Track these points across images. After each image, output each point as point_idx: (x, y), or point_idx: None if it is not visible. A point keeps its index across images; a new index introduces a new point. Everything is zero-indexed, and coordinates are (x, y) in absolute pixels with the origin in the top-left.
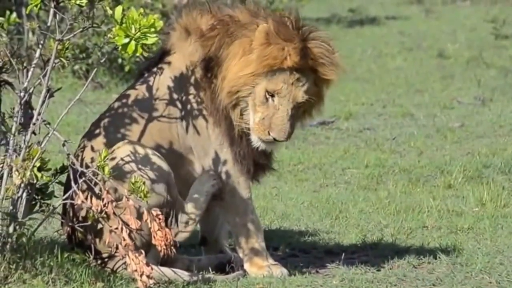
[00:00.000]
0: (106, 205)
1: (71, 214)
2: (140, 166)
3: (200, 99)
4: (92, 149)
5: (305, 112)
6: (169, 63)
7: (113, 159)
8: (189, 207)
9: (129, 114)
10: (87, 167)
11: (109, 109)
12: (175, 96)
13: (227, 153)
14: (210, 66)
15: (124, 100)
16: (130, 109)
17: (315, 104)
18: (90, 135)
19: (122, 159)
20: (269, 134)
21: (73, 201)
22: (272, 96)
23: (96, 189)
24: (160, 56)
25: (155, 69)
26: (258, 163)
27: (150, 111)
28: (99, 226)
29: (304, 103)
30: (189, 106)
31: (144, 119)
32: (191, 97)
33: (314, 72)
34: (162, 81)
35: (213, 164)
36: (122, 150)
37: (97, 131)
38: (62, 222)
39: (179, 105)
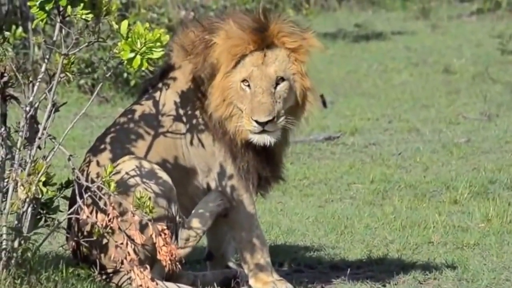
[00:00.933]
0: (111, 220)
1: (76, 229)
2: (143, 180)
3: (202, 116)
4: (98, 164)
5: (299, 105)
6: (173, 79)
7: (117, 173)
8: (191, 224)
9: (135, 130)
10: (92, 182)
11: (114, 124)
12: (179, 112)
13: (231, 169)
14: (201, 82)
15: (129, 116)
16: (135, 125)
17: (302, 88)
18: (95, 150)
19: (126, 173)
20: (253, 120)
21: (78, 216)
22: (248, 84)
23: (101, 204)
24: (164, 72)
25: (160, 85)
26: (262, 176)
27: (155, 128)
28: (104, 241)
29: (290, 87)
30: (192, 123)
31: (150, 135)
32: (194, 114)
33: (282, 47)
34: (167, 98)
35: (217, 180)
36: (127, 165)
37: (102, 146)
38: (67, 237)
39: (183, 122)
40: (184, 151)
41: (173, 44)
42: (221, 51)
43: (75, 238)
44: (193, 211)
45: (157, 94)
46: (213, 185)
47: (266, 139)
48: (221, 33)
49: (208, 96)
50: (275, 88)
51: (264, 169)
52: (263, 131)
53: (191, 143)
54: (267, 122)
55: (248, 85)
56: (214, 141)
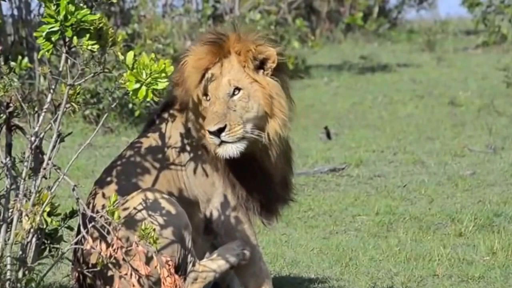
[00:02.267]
0: (116, 250)
1: (81, 259)
2: (156, 215)
3: (200, 146)
4: (103, 196)
5: (268, 114)
6: (176, 110)
7: (134, 206)
8: (204, 265)
9: (141, 163)
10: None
11: (121, 156)
12: (182, 144)
13: (231, 199)
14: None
15: (135, 149)
16: (141, 158)
17: (266, 97)
18: (102, 182)
19: (138, 207)
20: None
21: (81, 246)
22: (206, 96)
23: (109, 237)
24: (170, 104)
25: (165, 116)
26: (264, 203)
27: (160, 160)
28: (109, 272)
29: (248, 96)
30: (192, 154)
31: (155, 168)
32: (194, 144)
33: (233, 54)
34: (172, 130)
35: (218, 210)
36: (142, 198)
37: (109, 178)
38: (72, 268)
39: (185, 153)
40: (186, 182)
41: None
42: (188, 68)
43: (79, 269)
44: (210, 254)
45: (162, 126)
46: (214, 215)
47: (228, 151)
48: (190, 53)
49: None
50: (231, 97)
51: (264, 195)
52: (222, 143)
53: (193, 173)
54: (220, 131)
55: (207, 96)
56: (212, 170)
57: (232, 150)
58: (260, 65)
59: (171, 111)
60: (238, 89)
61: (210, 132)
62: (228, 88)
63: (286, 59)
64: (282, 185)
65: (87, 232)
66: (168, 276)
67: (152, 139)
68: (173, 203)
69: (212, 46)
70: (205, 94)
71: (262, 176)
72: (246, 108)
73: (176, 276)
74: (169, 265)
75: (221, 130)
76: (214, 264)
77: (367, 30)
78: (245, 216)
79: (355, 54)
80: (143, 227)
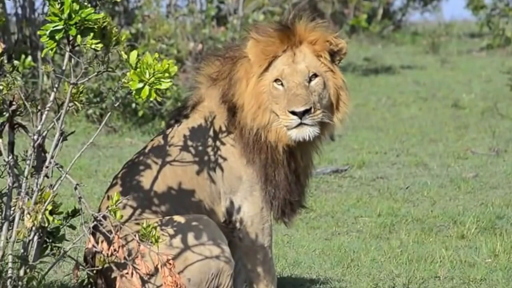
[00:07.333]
0: (117, 249)
1: (90, 263)
2: (201, 246)
3: (232, 140)
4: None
5: (333, 105)
6: (199, 111)
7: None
8: None
9: (161, 162)
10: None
11: (143, 153)
12: (207, 142)
13: (256, 196)
14: (230, 103)
15: (154, 148)
16: (159, 158)
17: (335, 87)
18: (123, 178)
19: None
20: (289, 112)
21: (83, 245)
22: (281, 83)
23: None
24: (193, 103)
25: (184, 119)
26: (288, 202)
27: (182, 158)
28: (111, 271)
29: (324, 84)
30: (219, 147)
31: (177, 166)
32: (222, 140)
33: (306, 42)
34: (196, 124)
35: (239, 206)
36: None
37: (129, 177)
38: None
39: (211, 150)
40: (214, 178)
41: (200, 77)
42: (254, 54)
43: (81, 268)
44: None
45: (182, 127)
46: (235, 207)
47: (305, 133)
48: (250, 42)
49: (241, 109)
50: (309, 82)
51: (292, 194)
52: (301, 125)
53: (219, 169)
54: (304, 113)
55: (281, 84)
56: (246, 165)
57: (309, 132)
58: (330, 56)
59: (190, 114)
60: (315, 75)
61: (294, 113)
62: (307, 74)
63: None
64: (302, 189)
65: (93, 234)
66: (169, 275)
67: (169, 139)
68: (222, 244)
69: (282, 34)
70: (276, 79)
71: (292, 176)
72: (321, 95)
73: (177, 275)
74: (170, 263)
75: (305, 112)
76: None
77: (371, 32)
78: (267, 215)
79: (359, 56)
80: (145, 224)
